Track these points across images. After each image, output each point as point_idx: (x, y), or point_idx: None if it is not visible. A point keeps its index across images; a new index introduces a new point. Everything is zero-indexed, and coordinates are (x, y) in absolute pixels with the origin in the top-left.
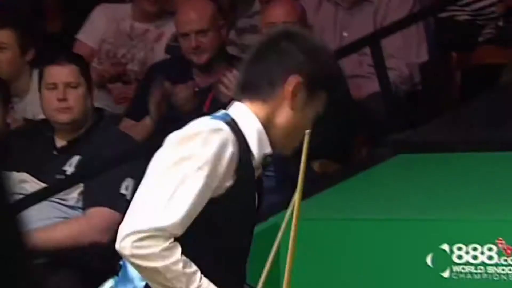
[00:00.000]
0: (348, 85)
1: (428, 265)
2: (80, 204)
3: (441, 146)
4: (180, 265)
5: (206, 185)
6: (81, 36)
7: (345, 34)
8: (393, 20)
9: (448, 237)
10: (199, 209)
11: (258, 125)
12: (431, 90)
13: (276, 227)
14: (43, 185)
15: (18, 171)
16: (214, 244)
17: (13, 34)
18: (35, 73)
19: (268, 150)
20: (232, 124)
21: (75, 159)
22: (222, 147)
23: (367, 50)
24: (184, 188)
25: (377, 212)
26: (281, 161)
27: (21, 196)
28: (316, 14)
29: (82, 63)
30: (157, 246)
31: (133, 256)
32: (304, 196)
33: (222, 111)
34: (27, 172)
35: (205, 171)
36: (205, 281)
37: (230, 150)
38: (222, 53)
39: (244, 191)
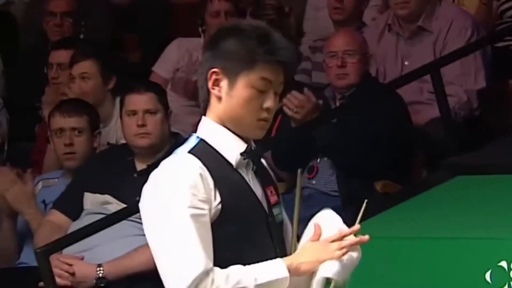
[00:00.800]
0: (409, 110)
1: (487, 281)
2: None
3: (497, 168)
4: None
5: (198, 215)
6: (156, 68)
7: (406, 62)
8: (452, 49)
9: (506, 254)
10: (208, 234)
11: (222, 131)
12: (488, 115)
13: None
14: (125, 206)
15: (102, 193)
16: (242, 259)
17: (96, 65)
18: (118, 101)
19: (241, 149)
20: (199, 147)
21: None
22: (188, 177)
23: (427, 77)
24: (185, 233)
25: (438, 231)
26: (345, 183)
27: (104, 216)
28: (379, 44)
29: (159, 91)
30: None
31: None
32: (367, 215)
33: (192, 136)
34: (110, 194)
35: (189, 208)
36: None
37: (197, 174)
38: (289, 79)
39: (237, 198)
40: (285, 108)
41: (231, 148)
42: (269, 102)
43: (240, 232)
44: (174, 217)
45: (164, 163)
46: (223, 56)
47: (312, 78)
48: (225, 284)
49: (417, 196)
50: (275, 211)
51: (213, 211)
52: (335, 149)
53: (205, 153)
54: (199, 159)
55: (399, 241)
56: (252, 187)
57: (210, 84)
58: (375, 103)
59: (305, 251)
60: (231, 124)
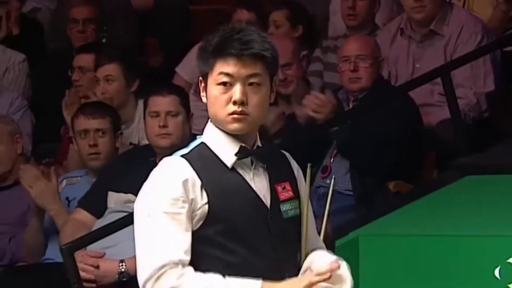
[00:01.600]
0: (420, 112)
1: (496, 277)
2: None
3: (505, 168)
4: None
5: (172, 213)
6: (179, 70)
7: (417, 65)
8: (462, 53)
9: None
10: (184, 231)
11: (218, 133)
12: (497, 117)
13: (356, 241)
14: None
15: (125, 193)
16: (230, 257)
17: (119, 68)
18: (141, 103)
19: (235, 149)
20: (197, 149)
21: None
22: (168, 179)
23: (438, 80)
24: (159, 228)
25: (448, 229)
26: (359, 182)
27: (127, 214)
28: (391, 47)
29: (182, 94)
30: (170, 278)
31: None
32: (380, 213)
33: (198, 138)
34: (132, 193)
35: (163, 207)
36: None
37: (178, 177)
38: (304, 81)
39: (228, 197)
40: (305, 109)
41: (227, 149)
42: (236, 95)
43: (228, 230)
44: (147, 213)
45: (158, 164)
46: (199, 65)
47: (324, 79)
48: (191, 285)
49: (428, 195)
50: (285, 206)
51: (199, 210)
52: (349, 150)
53: (200, 155)
54: (189, 161)
55: (411, 238)
56: (253, 185)
57: (201, 92)
58: (387, 105)
59: (287, 282)
60: (216, 124)
